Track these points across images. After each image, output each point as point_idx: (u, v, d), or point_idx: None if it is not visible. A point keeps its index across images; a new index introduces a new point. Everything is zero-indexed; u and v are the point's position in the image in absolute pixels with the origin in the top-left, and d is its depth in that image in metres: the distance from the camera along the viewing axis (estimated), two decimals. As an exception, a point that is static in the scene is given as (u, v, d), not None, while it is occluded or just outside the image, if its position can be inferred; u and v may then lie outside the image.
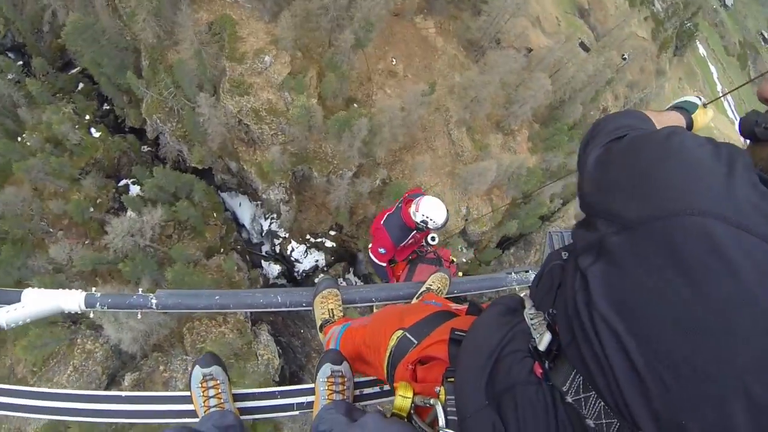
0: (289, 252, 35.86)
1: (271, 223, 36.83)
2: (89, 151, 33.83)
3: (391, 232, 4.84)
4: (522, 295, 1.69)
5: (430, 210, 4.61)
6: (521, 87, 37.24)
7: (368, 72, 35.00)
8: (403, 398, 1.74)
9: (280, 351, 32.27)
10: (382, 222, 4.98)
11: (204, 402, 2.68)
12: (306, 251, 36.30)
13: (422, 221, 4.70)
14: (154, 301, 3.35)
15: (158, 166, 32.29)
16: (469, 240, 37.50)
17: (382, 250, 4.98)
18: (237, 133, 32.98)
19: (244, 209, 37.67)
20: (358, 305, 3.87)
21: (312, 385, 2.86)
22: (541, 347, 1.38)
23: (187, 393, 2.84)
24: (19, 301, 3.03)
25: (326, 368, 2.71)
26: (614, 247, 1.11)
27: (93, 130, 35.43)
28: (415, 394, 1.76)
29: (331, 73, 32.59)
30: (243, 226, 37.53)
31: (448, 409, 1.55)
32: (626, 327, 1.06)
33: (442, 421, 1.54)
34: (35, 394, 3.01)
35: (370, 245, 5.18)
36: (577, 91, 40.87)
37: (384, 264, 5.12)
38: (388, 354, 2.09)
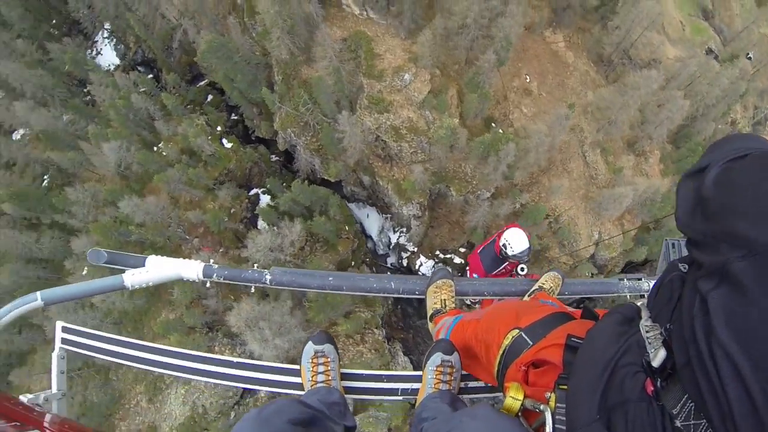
0: (417, 266, 33.91)
1: (399, 237, 35.03)
2: (223, 162, 32.69)
3: (484, 261, 4.96)
4: (639, 304, 1.53)
5: (511, 237, 4.73)
6: (657, 107, 33.95)
7: (504, 90, 32.57)
8: (514, 400, 1.67)
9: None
10: (478, 252, 5.12)
11: (312, 377, 2.63)
12: (434, 266, 34.20)
13: (502, 245, 4.88)
14: (268, 277, 3.28)
15: (296, 181, 30.88)
16: (597, 265, 34.64)
17: (475, 276, 5.09)
18: (373, 149, 31.14)
19: (372, 221, 36.05)
20: (470, 297, 3.72)
21: (418, 373, 2.71)
22: (655, 363, 1.27)
23: (296, 366, 2.82)
24: (143, 266, 3.08)
25: (437, 357, 2.53)
26: (740, 273, 0.98)
27: (225, 141, 34.42)
28: (525, 397, 1.66)
29: (473, 93, 30.39)
30: (369, 237, 35.87)
31: (557, 417, 1.47)
32: (749, 360, 0.93)
33: (549, 429, 1.47)
34: (149, 348, 3.10)
35: (468, 271, 5.27)
36: (710, 107, 37.23)
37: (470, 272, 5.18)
38: (501, 352, 1.94)
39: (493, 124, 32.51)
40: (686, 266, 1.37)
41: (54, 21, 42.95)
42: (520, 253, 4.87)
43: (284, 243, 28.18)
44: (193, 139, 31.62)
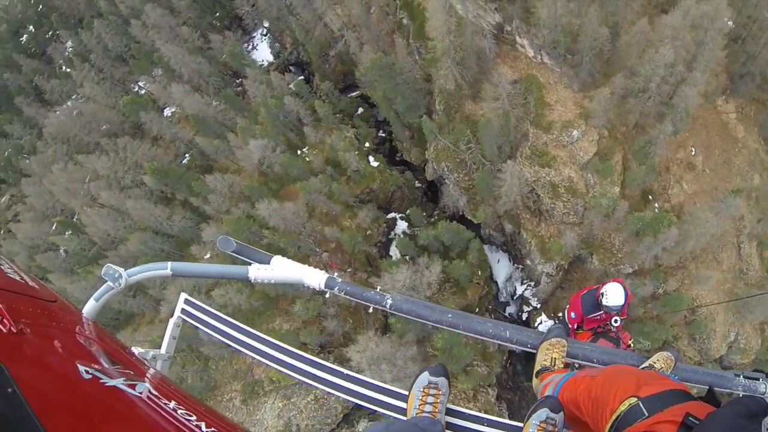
0: (536, 323, 31.20)
1: (526, 289, 32.52)
2: (367, 180, 31.06)
3: (584, 304, 5.07)
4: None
5: (610, 290, 4.88)
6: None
7: (667, 161, 29.14)
8: None
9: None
10: (582, 294, 5.25)
11: (420, 405, 2.58)
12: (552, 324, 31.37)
13: (601, 293, 5.04)
14: (389, 301, 3.18)
15: (443, 221, 28.52)
16: (724, 367, 30.54)
17: (573, 315, 5.22)
18: (525, 201, 28.68)
19: (501, 267, 33.66)
20: (579, 362, 3.39)
21: (520, 424, 2.64)
22: None
23: (405, 392, 2.78)
24: (268, 263, 3.07)
25: (542, 413, 2.44)
26: None
27: (371, 158, 32.85)
28: None
29: (641, 164, 27.43)
30: (495, 282, 33.32)
31: None
32: None
33: None
34: (262, 339, 3.11)
35: (567, 308, 5.48)
36: None
37: (572, 327, 5.25)
38: (614, 418, 1.86)
39: (650, 197, 29.25)
40: None
41: (218, 14, 43.18)
42: (613, 306, 4.87)
43: (422, 282, 26.05)
44: (342, 152, 30.10)
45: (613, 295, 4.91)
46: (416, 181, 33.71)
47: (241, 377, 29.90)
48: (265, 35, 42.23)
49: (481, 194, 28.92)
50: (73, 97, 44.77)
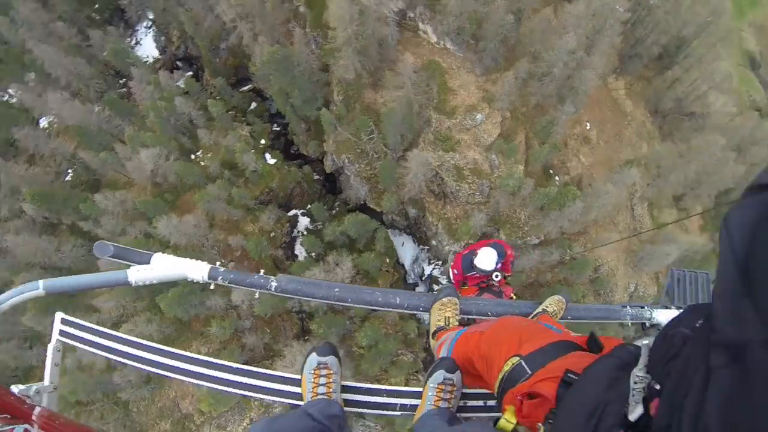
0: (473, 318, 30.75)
1: (434, 269, 32.02)
2: (265, 180, 28.98)
3: (463, 263, 5.09)
4: (642, 344, 1.38)
5: (481, 253, 4.91)
6: (711, 168, 31.37)
7: (565, 137, 29.38)
8: (507, 422, 1.64)
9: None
10: (464, 253, 5.20)
11: (313, 388, 2.45)
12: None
13: (470, 251, 5.12)
14: (274, 284, 2.97)
15: (351, 214, 27.40)
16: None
17: (455, 272, 5.24)
18: (429, 185, 27.80)
19: (406, 249, 32.74)
20: (474, 317, 3.36)
21: (419, 389, 2.54)
22: (631, 418, 1.19)
23: (298, 376, 2.62)
24: (148, 263, 2.85)
25: (439, 375, 2.39)
26: (756, 363, 0.80)
27: (268, 155, 30.52)
28: (518, 423, 1.63)
29: (544, 143, 27.40)
30: (401, 265, 32.42)
31: None
32: None
33: None
34: (149, 347, 2.90)
35: (451, 265, 5.45)
36: (756, 167, 34.80)
37: (456, 283, 5.29)
38: (500, 377, 1.85)
39: (551, 171, 29.47)
40: (700, 322, 1.18)
41: (96, 5, 38.03)
42: (483, 269, 4.93)
43: (335, 281, 24.66)
44: (239, 153, 27.78)
45: (482, 259, 4.96)
46: (315, 174, 31.88)
47: (167, 414, 27.41)
48: (150, 28, 38.11)
49: (384, 183, 27.78)
50: None
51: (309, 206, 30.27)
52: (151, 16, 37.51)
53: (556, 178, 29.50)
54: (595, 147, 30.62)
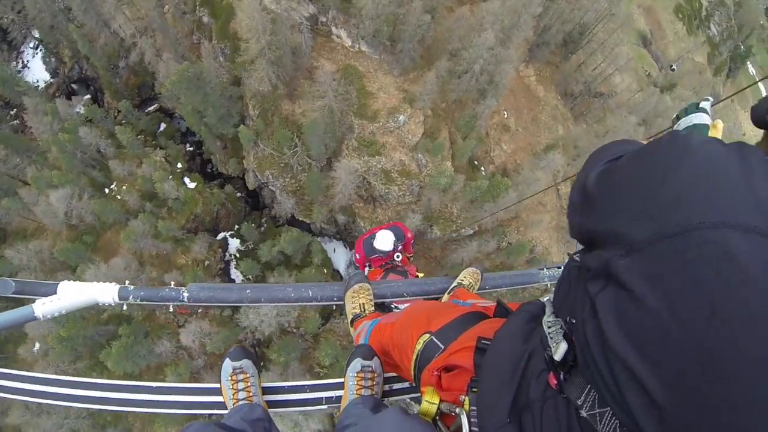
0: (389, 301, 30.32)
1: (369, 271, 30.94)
2: (189, 206, 26.96)
3: (365, 247, 5.19)
4: (545, 300, 1.42)
5: (380, 236, 5.00)
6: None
7: (486, 128, 29.34)
8: (430, 404, 1.53)
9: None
10: (364, 238, 5.29)
11: (233, 395, 2.32)
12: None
13: (374, 237, 5.13)
14: (186, 294, 2.90)
15: (289, 232, 26.14)
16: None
17: (357, 256, 5.32)
18: (357, 190, 26.94)
19: (339, 255, 31.91)
20: (389, 300, 3.33)
21: (341, 380, 2.45)
22: (557, 357, 1.15)
23: (217, 385, 2.50)
24: (55, 293, 2.64)
25: (356, 363, 2.33)
26: (622, 271, 0.88)
27: (187, 179, 28.23)
28: (441, 401, 1.54)
29: (469, 137, 27.30)
30: (337, 271, 31.52)
31: (472, 420, 1.37)
32: (641, 356, 0.84)
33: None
34: (67, 382, 2.68)
35: (353, 251, 5.65)
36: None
37: (360, 267, 5.37)
38: (414, 357, 1.79)
39: (476, 162, 29.42)
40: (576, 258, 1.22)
41: (-28, 27, 33.28)
42: (382, 250, 5.01)
43: (287, 308, 23.45)
44: (158, 183, 25.47)
45: (381, 240, 5.03)
46: (237, 193, 30.15)
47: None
48: (37, 49, 33.93)
49: (311, 195, 26.67)
50: None
51: (237, 227, 28.52)
52: (37, 35, 33.34)
53: (482, 168, 29.52)
54: (514, 134, 30.88)
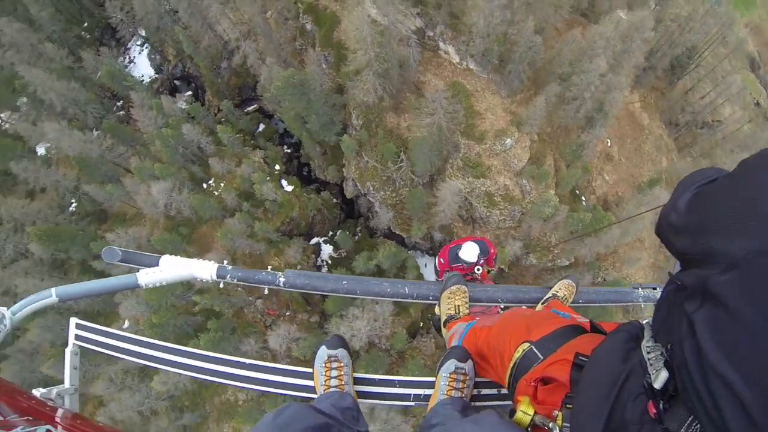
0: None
1: (458, 291, 29.64)
2: (285, 210, 26.40)
3: (450, 255, 5.12)
4: (644, 322, 1.36)
5: (466, 247, 4.92)
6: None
7: (590, 157, 27.44)
8: (524, 414, 1.52)
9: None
10: (450, 246, 5.22)
11: (325, 381, 2.36)
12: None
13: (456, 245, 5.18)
14: (282, 279, 2.90)
15: (387, 245, 25.25)
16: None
17: (441, 261, 5.30)
18: (458, 210, 25.62)
19: (430, 270, 30.44)
20: (484, 305, 3.20)
21: (432, 379, 2.46)
22: (656, 385, 1.10)
23: (309, 370, 2.51)
24: (157, 265, 2.77)
25: (450, 364, 2.29)
26: (720, 289, 0.87)
27: (284, 182, 27.68)
28: (535, 413, 1.51)
29: (574, 167, 25.59)
30: None
31: None
32: (740, 373, 0.81)
33: None
34: (163, 347, 2.79)
35: (438, 255, 5.47)
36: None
37: (441, 272, 5.33)
38: (512, 365, 1.76)
39: (577, 191, 27.60)
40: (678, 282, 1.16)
41: (86, 24, 34.15)
42: (466, 260, 4.84)
43: (380, 324, 22.54)
44: (257, 185, 25.02)
45: (466, 251, 4.81)
46: (333, 199, 29.41)
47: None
48: (143, 46, 34.51)
49: (412, 211, 25.67)
50: None
51: (331, 233, 27.79)
52: (143, 33, 33.90)
53: (583, 198, 27.69)
54: (617, 164, 28.89)
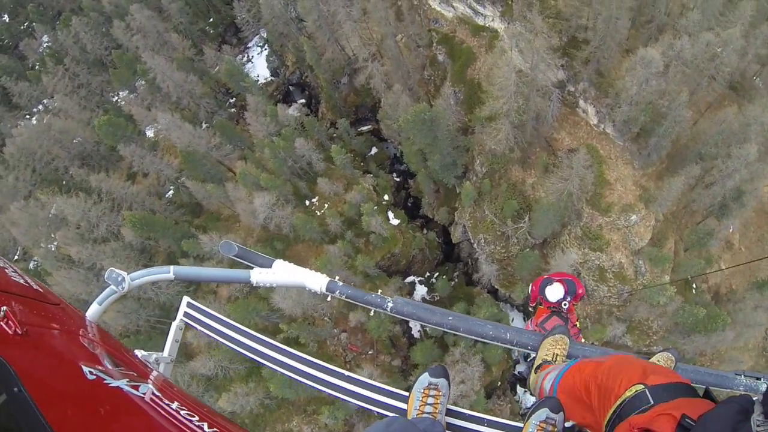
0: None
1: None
2: (388, 245, 24.81)
3: (540, 287, 5.35)
4: (755, 398, 1.32)
5: (552, 286, 5.14)
6: None
7: (716, 247, 24.73)
8: None
9: None
10: (542, 280, 5.49)
11: (420, 406, 2.33)
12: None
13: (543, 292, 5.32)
14: (390, 304, 2.81)
15: (488, 306, 23.55)
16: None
17: (533, 288, 5.49)
18: (564, 278, 23.14)
19: (517, 324, 28.28)
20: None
21: (519, 424, 2.39)
22: None
23: (406, 393, 2.54)
24: (270, 267, 2.83)
25: (542, 413, 2.17)
26: None
27: (391, 214, 25.96)
28: None
29: (698, 259, 23.18)
30: None
31: None
32: None
33: None
34: (265, 341, 2.82)
35: (532, 284, 5.69)
36: None
37: (532, 301, 5.58)
38: (619, 402, 1.66)
39: (690, 277, 24.72)
40: None
41: (211, 19, 33.42)
42: (549, 298, 5.15)
43: (467, 387, 20.66)
44: (366, 216, 23.42)
45: (551, 292, 5.05)
46: (437, 240, 27.58)
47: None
48: (263, 47, 33.37)
49: (519, 272, 23.72)
50: (45, 101, 34.59)
51: (427, 274, 25.98)
52: (264, 35, 32.78)
53: (694, 285, 24.94)
54: (736, 253, 26.07)
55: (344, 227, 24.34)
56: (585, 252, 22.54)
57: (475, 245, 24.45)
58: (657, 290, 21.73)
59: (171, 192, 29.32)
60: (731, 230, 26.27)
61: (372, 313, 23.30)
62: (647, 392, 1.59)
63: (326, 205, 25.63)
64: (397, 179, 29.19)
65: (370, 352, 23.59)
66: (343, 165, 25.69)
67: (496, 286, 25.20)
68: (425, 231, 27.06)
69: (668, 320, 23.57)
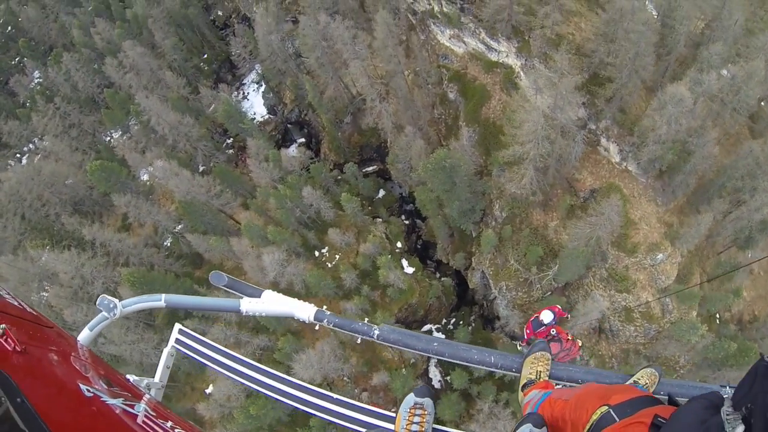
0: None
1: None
2: (405, 296, 22.81)
3: (533, 325, 7.06)
4: (725, 395, 1.37)
5: (544, 313, 7.38)
6: None
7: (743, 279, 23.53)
8: None
9: None
10: (532, 318, 7.40)
11: (406, 426, 2.39)
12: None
13: (541, 315, 8.13)
14: (376, 332, 2.82)
15: (504, 345, 21.28)
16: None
17: (528, 331, 7.45)
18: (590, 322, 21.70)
19: None
20: (563, 383, 2.90)
21: None
22: None
23: (392, 414, 2.58)
24: (259, 297, 2.84)
25: (526, 428, 2.13)
26: None
27: (405, 263, 23.89)
28: None
29: (726, 293, 21.90)
30: None
31: None
32: None
33: None
34: (257, 367, 2.83)
35: (526, 325, 8.47)
36: None
37: (527, 337, 7.56)
38: (588, 428, 1.71)
39: (712, 307, 23.40)
40: None
41: (206, 55, 30.72)
42: (545, 322, 6.71)
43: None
44: (383, 270, 21.35)
45: (544, 316, 6.71)
46: (452, 286, 25.67)
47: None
48: (259, 84, 30.91)
49: (544, 317, 21.71)
50: (35, 140, 31.72)
51: (444, 321, 24.04)
52: (259, 71, 30.32)
53: (717, 316, 23.59)
54: (756, 278, 25.08)
55: (359, 280, 22.30)
56: (611, 294, 21.10)
57: (495, 292, 22.62)
58: (687, 328, 20.34)
59: (169, 240, 26.83)
60: (749, 255, 25.06)
61: (396, 370, 21.42)
62: (611, 411, 1.63)
63: (337, 256, 23.63)
64: (407, 222, 27.31)
65: (393, 409, 21.66)
66: (353, 213, 23.57)
67: (516, 330, 23.51)
68: (440, 277, 25.20)
69: (696, 354, 22.26)
